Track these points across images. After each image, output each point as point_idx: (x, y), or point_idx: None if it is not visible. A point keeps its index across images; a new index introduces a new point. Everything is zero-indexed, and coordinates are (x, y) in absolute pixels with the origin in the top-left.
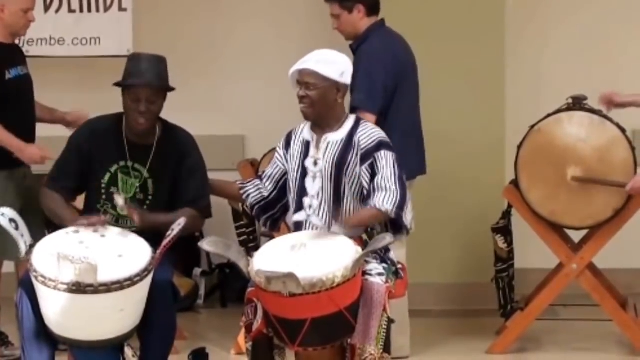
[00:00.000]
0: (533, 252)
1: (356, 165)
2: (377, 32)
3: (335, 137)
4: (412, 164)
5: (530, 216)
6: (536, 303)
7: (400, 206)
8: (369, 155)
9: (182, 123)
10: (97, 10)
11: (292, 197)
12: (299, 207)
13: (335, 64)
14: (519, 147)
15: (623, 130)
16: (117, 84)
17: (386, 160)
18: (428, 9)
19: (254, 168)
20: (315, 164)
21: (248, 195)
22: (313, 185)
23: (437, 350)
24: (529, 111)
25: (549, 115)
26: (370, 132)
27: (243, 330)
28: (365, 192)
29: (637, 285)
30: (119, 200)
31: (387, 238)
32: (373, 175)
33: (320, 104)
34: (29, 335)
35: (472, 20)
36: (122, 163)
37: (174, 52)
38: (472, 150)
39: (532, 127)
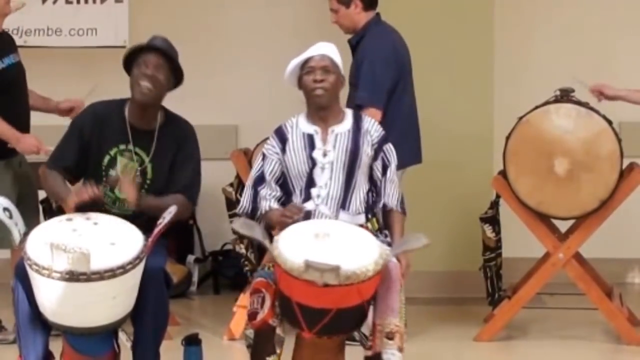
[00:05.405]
0: (520, 241)
1: (367, 153)
2: (374, 27)
3: (342, 129)
4: (410, 155)
5: (517, 206)
6: (523, 291)
7: (402, 200)
8: (380, 146)
9: (176, 112)
10: (94, 1)
11: (300, 188)
12: (307, 197)
13: (339, 56)
14: (507, 138)
15: (610, 122)
16: (127, 56)
17: (392, 154)
18: (418, 1)
19: (247, 157)
20: (325, 154)
21: (271, 208)
22: (322, 176)
23: (424, 337)
24: (517, 103)
25: (537, 107)
26: (374, 122)
27: (235, 316)
28: (378, 182)
29: (623, 275)
30: (113, 174)
31: (422, 240)
32: (384, 167)
33: (333, 90)
34: (23, 321)
35: (461, 13)
36: (122, 147)
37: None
38: (461, 141)
39: (520, 118)
